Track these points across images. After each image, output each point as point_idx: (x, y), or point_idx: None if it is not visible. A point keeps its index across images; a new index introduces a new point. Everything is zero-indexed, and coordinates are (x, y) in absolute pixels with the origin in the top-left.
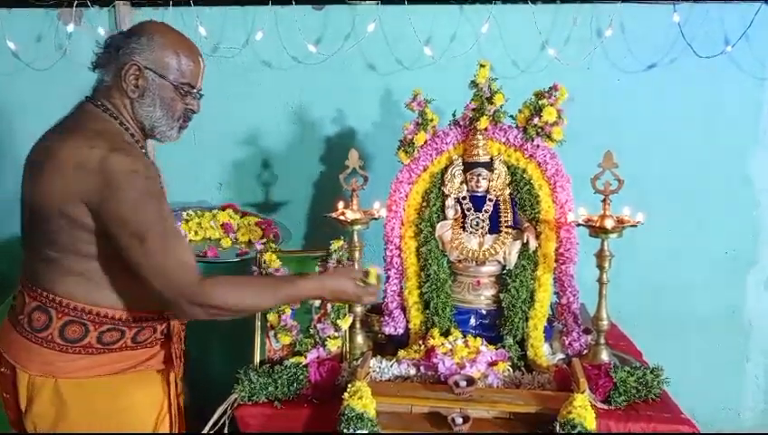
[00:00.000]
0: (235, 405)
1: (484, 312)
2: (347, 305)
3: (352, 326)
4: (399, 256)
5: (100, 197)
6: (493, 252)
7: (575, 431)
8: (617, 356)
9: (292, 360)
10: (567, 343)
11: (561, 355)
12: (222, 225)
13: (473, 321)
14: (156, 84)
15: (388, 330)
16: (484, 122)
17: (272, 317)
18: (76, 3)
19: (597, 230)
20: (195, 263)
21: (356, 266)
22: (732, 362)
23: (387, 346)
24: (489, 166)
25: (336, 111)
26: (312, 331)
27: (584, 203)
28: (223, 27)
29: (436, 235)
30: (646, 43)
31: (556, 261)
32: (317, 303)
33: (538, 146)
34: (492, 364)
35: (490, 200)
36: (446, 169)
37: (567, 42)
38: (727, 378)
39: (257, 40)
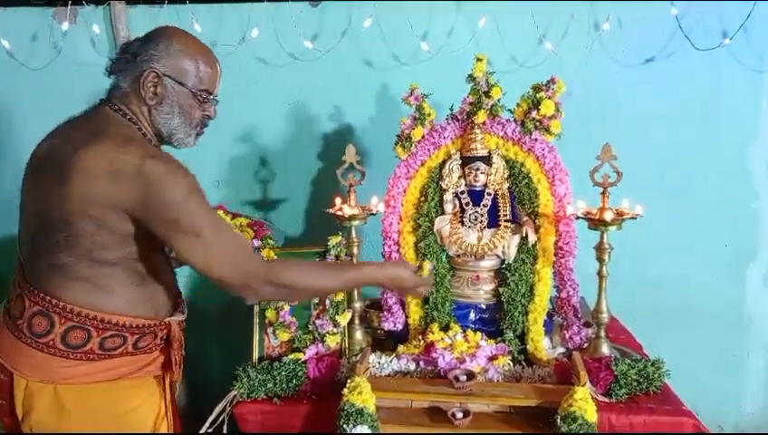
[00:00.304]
0: (234, 402)
1: (483, 306)
2: (346, 301)
3: (351, 322)
4: (398, 251)
5: (143, 203)
6: (492, 246)
7: (576, 424)
8: (617, 349)
9: (291, 356)
10: (567, 336)
11: (561, 349)
12: None
13: (472, 315)
14: (174, 91)
15: (387, 325)
16: (481, 116)
17: (270, 313)
18: (71, 1)
19: (596, 223)
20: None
21: (354, 261)
22: (732, 356)
23: (386, 342)
24: (487, 160)
25: (333, 108)
26: (310, 327)
27: (583, 197)
28: (218, 25)
29: (435, 229)
30: (643, 37)
31: (555, 255)
32: (315, 299)
33: (536, 139)
34: (492, 359)
35: (488, 194)
36: (443, 163)
37: (564, 36)
38: (728, 372)
39: (253, 37)
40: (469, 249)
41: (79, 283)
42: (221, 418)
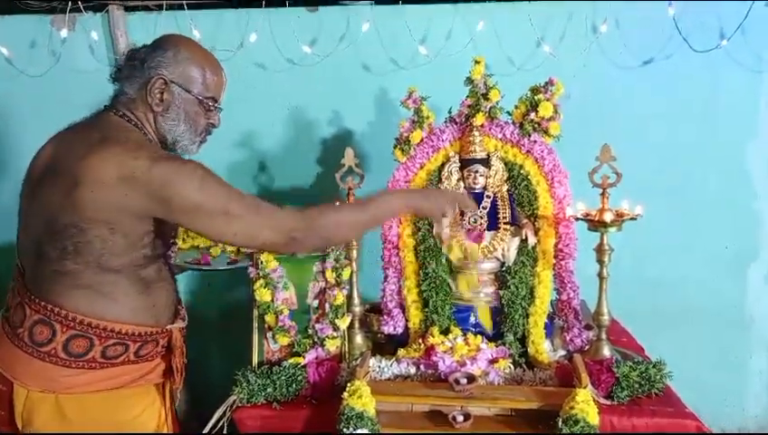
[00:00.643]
0: (234, 407)
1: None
2: (345, 305)
3: (351, 326)
4: (397, 254)
5: (163, 203)
6: (491, 249)
7: (578, 426)
8: (618, 352)
9: (291, 361)
10: (568, 339)
11: (562, 352)
12: None
13: (472, 319)
14: (181, 98)
15: (387, 329)
16: (480, 118)
17: (269, 318)
18: (69, 9)
19: (596, 224)
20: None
21: (353, 266)
22: (735, 357)
23: (386, 346)
24: (486, 162)
25: (332, 112)
26: (310, 331)
27: (582, 198)
28: (217, 30)
29: (434, 233)
30: (641, 39)
31: (555, 257)
32: (315, 303)
33: (535, 141)
34: (492, 362)
35: (488, 197)
36: (442, 166)
37: (562, 38)
38: (730, 373)
39: (251, 42)
40: (468, 252)
41: (81, 290)
42: (221, 423)
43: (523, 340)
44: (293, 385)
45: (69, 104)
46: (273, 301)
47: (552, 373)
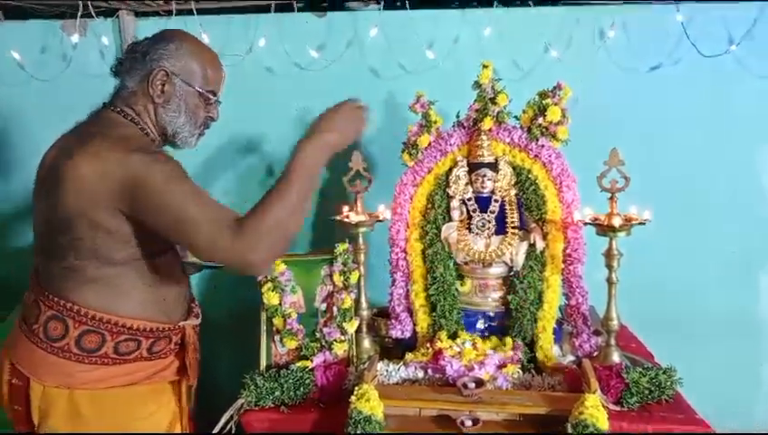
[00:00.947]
0: (242, 410)
1: (491, 314)
2: (353, 309)
3: (359, 330)
4: (405, 258)
5: (131, 198)
6: (499, 253)
7: (587, 432)
8: (628, 357)
9: (299, 364)
10: (577, 344)
11: (571, 357)
12: None
13: (480, 323)
14: (182, 91)
15: (394, 333)
16: (488, 123)
17: (277, 321)
18: (80, 14)
19: (605, 228)
20: (233, 215)
21: (361, 270)
22: (745, 364)
23: (394, 350)
24: (494, 166)
25: None
26: (317, 334)
27: (590, 204)
28: (226, 35)
29: (442, 236)
30: (649, 44)
31: (564, 262)
32: (323, 306)
33: (543, 146)
34: (501, 367)
35: (495, 201)
36: (450, 170)
37: (569, 44)
38: (741, 381)
39: (260, 47)
40: (477, 256)
41: (90, 285)
42: (229, 426)
43: (531, 345)
44: (301, 388)
45: (79, 108)
46: (281, 304)
47: (560, 379)
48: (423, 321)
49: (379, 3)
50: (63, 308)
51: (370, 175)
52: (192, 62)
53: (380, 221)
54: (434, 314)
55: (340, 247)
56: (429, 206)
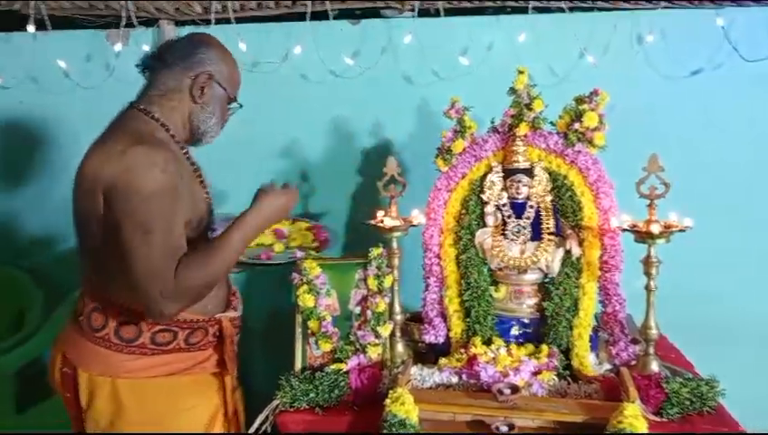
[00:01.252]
0: (277, 411)
1: (526, 321)
2: (387, 313)
3: (392, 334)
4: (439, 264)
5: (114, 183)
6: (535, 259)
7: None
8: (667, 367)
9: (333, 366)
10: (614, 352)
11: (607, 365)
12: (274, 231)
13: (515, 330)
14: (218, 94)
15: (428, 338)
16: (523, 128)
17: (312, 324)
18: (123, 24)
19: (643, 235)
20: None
21: (395, 273)
22: None
23: (427, 355)
24: (529, 172)
25: (373, 123)
26: (352, 338)
27: (627, 211)
28: (262, 43)
29: (476, 242)
30: (689, 49)
31: (600, 269)
32: (357, 310)
33: (579, 152)
34: (536, 373)
35: (531, 207)
36: (485, 175)
37: (606, 49)
38: None
39: (296, 54)
40: (511, 262)
41: (120, 277)
42: (264, 426)
43: (566, 352)
44: (336, 391)
45: None
46: (316, 307)
47: (597, 387)
48: (457, 326)
49: (413, 10)
50: (102, 300)
51: (404, 180)
52: (227, 69)
53: (414, 226)
54: (468, 319)
55: (375, 251)
56: (463, 211)
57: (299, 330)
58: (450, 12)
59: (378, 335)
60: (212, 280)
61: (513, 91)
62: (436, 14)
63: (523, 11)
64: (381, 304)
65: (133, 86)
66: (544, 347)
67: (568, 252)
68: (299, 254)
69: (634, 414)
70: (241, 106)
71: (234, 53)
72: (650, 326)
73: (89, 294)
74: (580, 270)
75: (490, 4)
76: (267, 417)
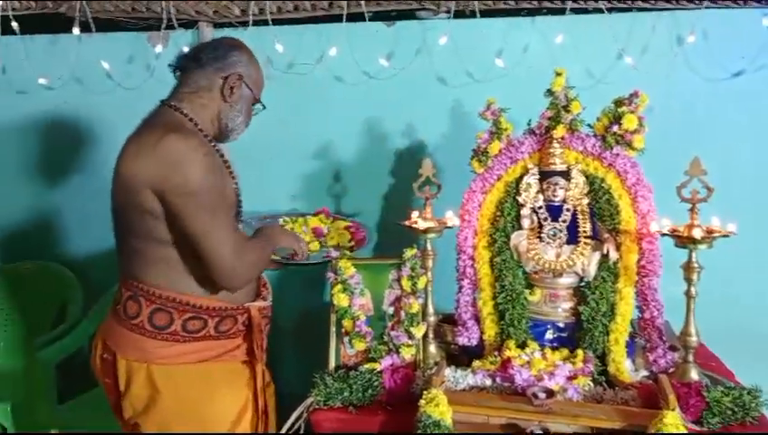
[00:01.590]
0: (311, 409)
1: (561, 325)
2: (420, 314)
3: (425, 335)
4: (473, 266)
5: (163, 177)
6: (570, 263)
7: None
8: (707, 376)
9: (367, 366)
10: (651, 359)
11: (644, 372)
12: (313, 229)
13: (549, 334)
14: (246, 95)
15: (461, 340)
16: (560, 130)
17: (346, 323)
18: (164, 26)
19: (684, 240)
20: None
21: (429, 275)
22: None
23: (460, 357)
24: (566, 175)
25: (406, 125)
26: (385, 338)
27: (666, 215)
28: (298, 44)
29: (511, 245)
30: (731, 50)
31: (638, 274)
32: (390, 310)
33: (617, 155)
34: (571, 378)
35: (567, 210)
36: (520, 178)
37: (645, 50)
38: None
39: (331, 56)
40: (547, 266)
41: (155, 266)
42: (298, 423)
43: (602, 358)
44: (369, 390)
45: None
46: (350, 306)
47: (634, 393)
48: (490, 329)
49: (448, 12)
50: (136, 288)
51: (439, 181)
52: (254, 71)
53: (449, 228)
54: (502, 322)
55: (409, 252)
56: (498, 213)
57: (333, 329)
58: (485, 13)
59: (411, 336)
60: (262, 265)
61: (550, 92)
62: (472, 15)
63: (560, 12)
64: (415, 305)
65: (170, 86)
66: (580, 352)
67: (605, 256)
68: (333, 253)
69: (674, 423)
70: (264, 107)
71: (270, 54)
72: (690, 333)
73: (125, 283)
74: (616, 274)
75: (526, 5)
76: (301, 414)
